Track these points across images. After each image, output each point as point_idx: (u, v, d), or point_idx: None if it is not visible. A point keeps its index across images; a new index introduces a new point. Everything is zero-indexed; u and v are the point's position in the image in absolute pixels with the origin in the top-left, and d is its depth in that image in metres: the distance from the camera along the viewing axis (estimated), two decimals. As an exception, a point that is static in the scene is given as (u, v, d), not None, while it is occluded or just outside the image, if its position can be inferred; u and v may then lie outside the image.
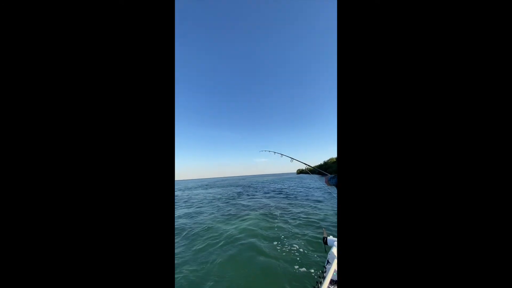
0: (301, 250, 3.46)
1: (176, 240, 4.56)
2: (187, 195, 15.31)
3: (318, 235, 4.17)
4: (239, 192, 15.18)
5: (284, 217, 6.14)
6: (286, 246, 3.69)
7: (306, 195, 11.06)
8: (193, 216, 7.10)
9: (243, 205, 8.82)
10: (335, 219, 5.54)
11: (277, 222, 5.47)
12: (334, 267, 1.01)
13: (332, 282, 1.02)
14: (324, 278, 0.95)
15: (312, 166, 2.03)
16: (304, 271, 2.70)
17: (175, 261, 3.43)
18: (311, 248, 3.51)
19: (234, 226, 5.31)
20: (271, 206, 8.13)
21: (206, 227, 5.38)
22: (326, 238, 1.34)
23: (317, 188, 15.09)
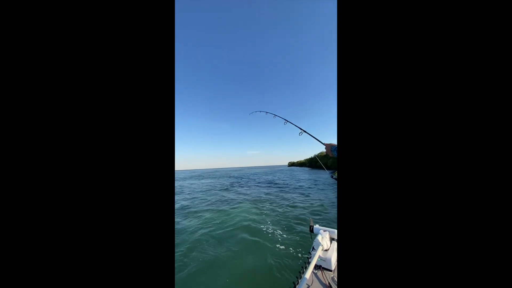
0: (284, 234, 3.90)
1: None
2: (180, 186, 15.47)
3: (299, 221, 4.62)
4: (232, 183, 15.55)
5: (272, 204, 6.57)
6: (270, 230, 4.12)
7: (296, 187, 11.56)
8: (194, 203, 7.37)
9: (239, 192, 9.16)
10: (319, 207, 5.99)
11: (265, 211, 5.87)
12: (318, 253, 1.11)
13: (316, 267, 1.13)
14: (309, 263, 1.04)
15: (311, 134, 1.81)
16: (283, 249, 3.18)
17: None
18: (294, 231, 3.99)
19: (227, 213, 5.66)
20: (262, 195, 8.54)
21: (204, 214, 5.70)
22: (313, 226, 1.42)
23: (308, 180, 15.67)
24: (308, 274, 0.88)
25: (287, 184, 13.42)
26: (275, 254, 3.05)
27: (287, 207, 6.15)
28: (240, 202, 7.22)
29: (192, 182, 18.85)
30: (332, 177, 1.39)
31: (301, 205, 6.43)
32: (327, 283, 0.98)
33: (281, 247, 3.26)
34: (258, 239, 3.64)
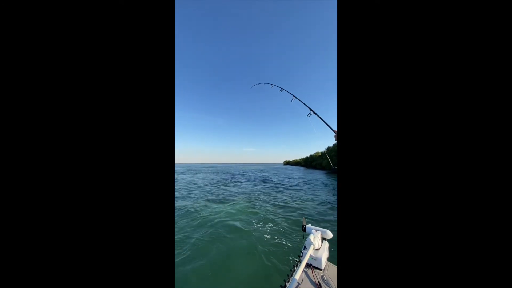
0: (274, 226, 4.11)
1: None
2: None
3: (291, 217, 4.76)
4: (227, 179, 15.57)
5: (266, 200, 6.65)
6: (262, 222, 4.36)
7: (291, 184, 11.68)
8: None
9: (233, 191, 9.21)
10: (310, 205, 6.08)
11: (258, 206, 5.94)
12: (309, 252, 1.12)
13: (307, 265, 1.15)
14: (300, 262, 1.04)
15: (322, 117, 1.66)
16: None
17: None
18: (285, 225, 4.21)
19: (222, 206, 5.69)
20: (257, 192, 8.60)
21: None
22: (305, 226, 1.40)
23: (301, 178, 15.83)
24: (299, 272, 0.90)
25: (281, 182, 13.53)
26: (264, 243, 3.34)
27: (279, 203, 6.24)
28: (235, 200, 7.25)
29: (187, 176, 18.79)
30: (332, 167, 1.36)
31: (293, 202, 6.53)
32: (317, 282, 1.00)
33: (268, 236, 3.62)
34: (249, 230, 3.91)
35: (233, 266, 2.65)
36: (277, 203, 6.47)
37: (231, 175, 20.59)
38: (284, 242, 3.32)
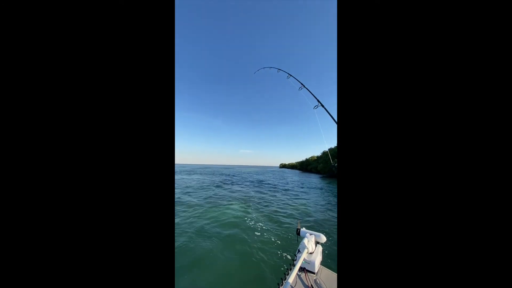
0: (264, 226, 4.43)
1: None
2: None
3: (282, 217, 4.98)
4: (225, 180, 15.49)
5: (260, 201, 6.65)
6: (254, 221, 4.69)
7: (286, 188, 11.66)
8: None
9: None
10: (306, 207, 6.09)
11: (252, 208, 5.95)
12: (303, 256, 1.12)
13: (300, 269, 1.15)
14: (294, 265, 1.04)
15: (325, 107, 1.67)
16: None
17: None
18: (275, 225, 4.62)
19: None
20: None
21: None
22: (300, 229, 1.40)
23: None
24: (293, 276, 0.91)
25: (276, 185, 13.52)
26: (255, 240, 3.65)
27: (273, 204, 6.25)
28: (230, 201, 7.23)
29: (182, 177, 18.62)
30: (333, 166, 1.37)
31: (289, 203, 6.54)
32: (310, 285, 1.01)
33: (258, 233, 4.03)
34: (243, 229, 4.24)
35: (223, 267, 2.65)
36: (273, 207, 6.48)
37: (228, 176, 20.50)
38: (279, 253, 3.32)
